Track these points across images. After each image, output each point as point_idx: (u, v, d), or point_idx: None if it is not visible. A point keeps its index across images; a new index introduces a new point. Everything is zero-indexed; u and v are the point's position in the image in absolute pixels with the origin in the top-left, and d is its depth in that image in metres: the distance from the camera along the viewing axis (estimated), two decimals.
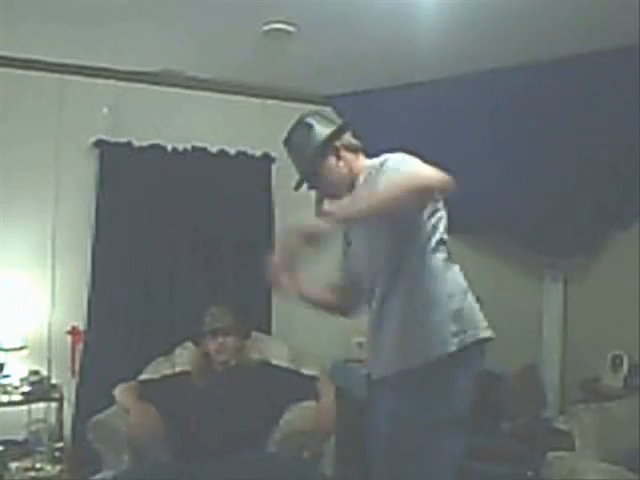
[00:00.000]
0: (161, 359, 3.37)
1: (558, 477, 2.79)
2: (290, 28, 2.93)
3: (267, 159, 3.81)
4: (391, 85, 3.59)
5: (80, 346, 3.44)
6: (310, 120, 1.97)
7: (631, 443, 2.81)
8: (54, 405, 3.24)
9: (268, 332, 3.72)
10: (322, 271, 2.01)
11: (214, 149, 3.76)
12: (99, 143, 3.54)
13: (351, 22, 2.85)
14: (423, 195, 1.68)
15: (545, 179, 3.57)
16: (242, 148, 3.79)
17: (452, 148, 3.20)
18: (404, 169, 1.74)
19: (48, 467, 3.04)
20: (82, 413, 3.25)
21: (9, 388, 3.16)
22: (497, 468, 3.16)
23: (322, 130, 1.95)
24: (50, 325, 3.39)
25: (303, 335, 3.76)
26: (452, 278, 1.84)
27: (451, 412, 1.79)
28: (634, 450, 2.76)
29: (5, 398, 3.10)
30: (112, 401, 2.88)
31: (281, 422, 2.90)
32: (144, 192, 3.58)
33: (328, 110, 3.77)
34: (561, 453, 2.87)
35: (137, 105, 3.63)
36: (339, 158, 1.95)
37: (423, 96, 3.52)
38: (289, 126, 1.99)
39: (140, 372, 3.24)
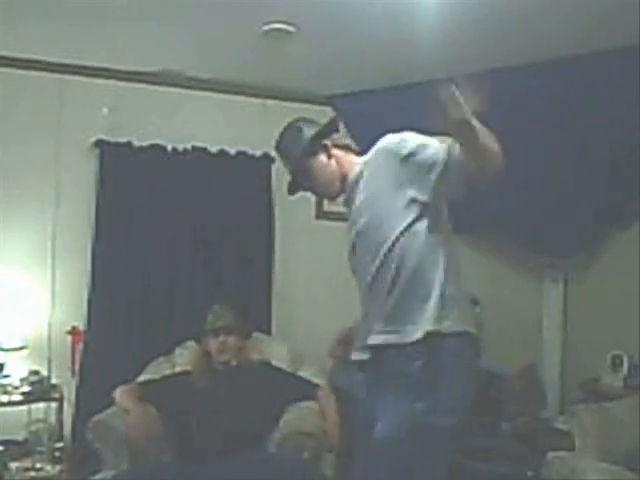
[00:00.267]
0: (161, 359, 3.37)
1: (558, 477, 2.79)
2: (290, 28, 2.93)
3: (267, 159, 3.81)
4: (391, 85, 3.59)
5: (80, 346, 3.44)
6: (299, 124, 2.02)
7: (631, 443, 2.81)
8: (54, 405, 3.24)
9: (268, 332, 3.72)
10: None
11: (214, 149, 3.76)
12: (99, 143, 3.54)
13: (351, 22, 2.85)
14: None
15: (545, 179, 3.57)
16: (242, 148, 3.79)
17: None
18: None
19: (48, 467, 3.04)
20: (82, 413, 3.25)
21: (9, 388, 3.16)
22: (497, 468, 3.16)
23: (310, 131, 1.99)
24: (50, 325, 3.39)
25: (303, 335, 3.76)
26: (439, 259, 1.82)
27: (437, 401, 1.73)
28: (634, 450, 2.76)
29: (5, 398, 3.10)
30: (112, 401, 2.87)
31: (281, 422, 2.90)
32: (144, 192, 3.58)
33: (328, 111, 3.79)
34: (561, 453, 2.87)
35: (137, 105, 3.63)
36: (329, 157, 1.97)
37: (423, 96, 3.52)
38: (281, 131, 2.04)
39: (140, 372, 3.24)
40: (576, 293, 4.22)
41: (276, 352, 3.39)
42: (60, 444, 3.18)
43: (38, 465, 3.04)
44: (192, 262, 3.65)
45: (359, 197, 1.89)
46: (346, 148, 2.01)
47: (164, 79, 3.67)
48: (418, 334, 1.73)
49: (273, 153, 3.79)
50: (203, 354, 3.00)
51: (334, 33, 3.00)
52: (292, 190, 2.06)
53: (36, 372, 3.25)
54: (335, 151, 1.98)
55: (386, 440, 1.75)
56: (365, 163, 1.91)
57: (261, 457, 2.68)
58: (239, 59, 3.42)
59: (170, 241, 3.60)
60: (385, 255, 1.80)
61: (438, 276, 1.78)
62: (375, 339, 1.84)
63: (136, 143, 3.59)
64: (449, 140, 1.75)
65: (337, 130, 2.04)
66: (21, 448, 3.14)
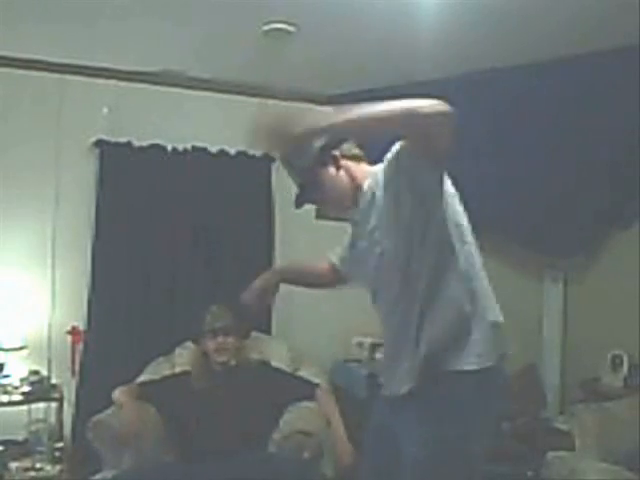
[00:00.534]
0: (161, 359, 3.37)
1: (558, 477, 2.79)
2: (290, 28, 2.93)
3: (267, 159, 3.81)
4: (391, 85, 3.59)
5: (80, 346, 3.44)
6: None
7: (631, 443, 2.81)
8: (54, 405, 3.24)
9: (268, 332, 3.72)
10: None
11: (214, 149, 3.76)
12: (99, 143, 3.54)
13: (351, 22, 2.85)
14: (415, 118, 1.54)
15: (545, 179, 3.57)
16: (242, 148, 3.79)
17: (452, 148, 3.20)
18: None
19: (48, 467, 3.05)
20: (82, 413, 3.25)
21: (9, 388, 3.16)
22: (497, 468, 3.16)
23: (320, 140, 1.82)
24: (50, 325, 3.39)
25: (303, 335, 3.76)
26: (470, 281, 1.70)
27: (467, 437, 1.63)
28: (634, 450, 2.76)
29: (5, 398, 3.10)
30: (112, 401, 2.87)
31: (281, 422, 2.90)
32: (144, 192, 3.58)
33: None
34: (561, 453, 2.87)
35: (137, 105, 3.63)
36: (339, 168, 1.82)
37: (423, 96, 3.52)
38: None
39: (140, 372, 3.24)
40: (576, 293, 4.22)
41: (276, 352, 3.40)
42: (60, 444, 3.18)
43: (38, 465, 3.04)
44: (192, 262, 3.65)
45: (376, 213, 1.73)
46: (357, 158, 1.87)
47: (164, 79, 3.67)
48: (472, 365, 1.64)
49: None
50: (202, 355, 3.00)
51: (334, 33, 3.00)
52: (299, 203, 1.89)
53: (36, 372, 3.25)
54: (345, 162, 1.83)
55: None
56: (377, 174, 1.74)
57: (261, 457, 2.68)
58: (239, 59, 3.42)
59: (170, 241, 3.60)
60: (417, 279, 1.66)
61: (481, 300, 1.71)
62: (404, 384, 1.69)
63: (136, 143, 3.59)
64: None
65: (347, 139, 1.87)
66: (21, 448, 3.14)
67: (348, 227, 1.97)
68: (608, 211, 3.74)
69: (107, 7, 2.75)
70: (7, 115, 3.42)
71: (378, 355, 3.82)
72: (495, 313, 1.78)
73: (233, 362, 2.96)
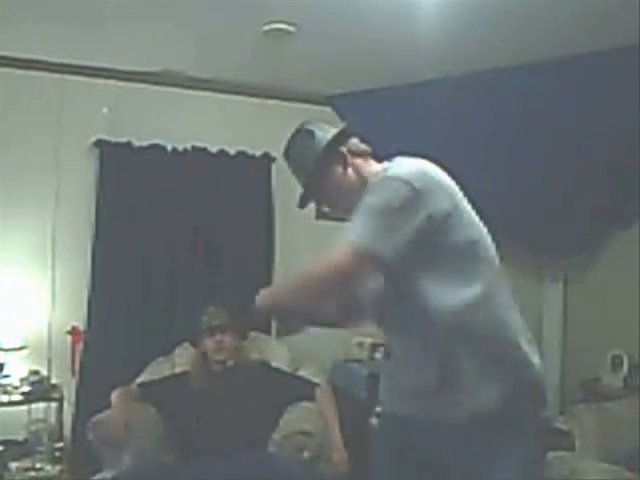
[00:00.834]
0: (161, 359, 3.37)
1: (558, 477, 2.79)
2: (290, 28, 2.93)
3: (267, 159, 3.81)
4: (391, 85, 3.59)
5: (80, 346, 3.44)
6: (310, 127, 1.77)
7: (631, 443, 2.81)
8: (54, 405, 3.24)
9: (268, 332, 3.71)
10: None
11: (214, 149, 3.76)
12: (99, 143, 3.54)
13: (351, 22, 2.85)
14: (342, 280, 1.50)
15: (545, 179, 3.57)
16: (242, 148, 3.79)
17: (452, 148, 3.20)
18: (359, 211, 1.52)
19: (48, 467, 3.05)
20: (82, 413, 3.25)
21: (9, 388, 3.16)
22: None
23: (324, 136, 1.74)
24: (50, 325, 3.39)
25: (303, 335, 3.74)
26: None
27: None
28: (634, 450, 2.76)
29: (5, 398, 3.10)
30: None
31: (281, 422, 2.90)
32: (144, 192, 3.58)
33: (328, 111, 3.79)
34: (561, 453, 2.86)
35: (137, 105, 3.63)
36: (346, 165, 1.72)
37: (423, 96, 3.52)
38: (289, 131, 1.79)
39: (140, 372, 3.24)
40: (576, 293, 4.22)
41: (276, 352, 3.40)
42: (60, 444, 3.18)
43: (38, 465, 3.04)
44: (192, 262, 3.65)
45: None
46: (364, 154, 1.77)
47: (164, 79, 3.67)
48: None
49: (273, 153, 3.80)
50: (200, 355, 3.01)
51: (334, 33, 3.00)
52: (304, 203, 1.79)
53: (36, 372, 3.25)
54: (352, 159, 1.73)
55: None
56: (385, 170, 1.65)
57: (261, 457, 2.68)
58: (239, 59, 3.42)
59: (170, 241, 3.60)
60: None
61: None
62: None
63: (136, 143, 3.59)
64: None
65: (353, 135, 1.78)
66: (21, 448, 3.14)
67: None
68: (608, 211, 3.74)
69: (107, 7, 2.75)
70: (7, 115, 3.42)
71: (378, 355, 3.83)
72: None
73: (231, 362, 2.96)
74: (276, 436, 2.84)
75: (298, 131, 1.78)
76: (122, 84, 3.60)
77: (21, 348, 3.23)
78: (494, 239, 1.74)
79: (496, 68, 3.21)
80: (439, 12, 2.66)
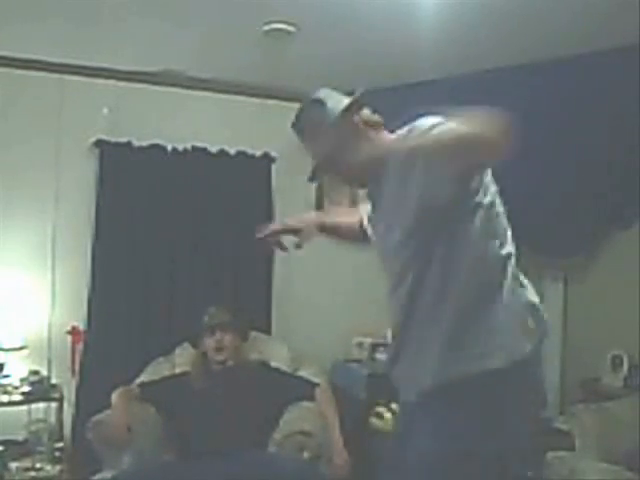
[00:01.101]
0: (161, 359, 3.37)
1: (558, 477, 2.79)
2: (290, 28, 2.93)
3: (267, 159, 3.81)
4: (391, 85, 3.59)
5: (80, 346, 3.44)
6: (321, 96, 1.71)
7: (631, 443, 2.81)
8: (54, 405, 3.24)
9: (268, 332, 3.72)
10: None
11: (214, 149, 3.76)
12: (99, 143, 3.54)
13: (351, 22, 2.85)
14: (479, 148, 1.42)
15: (545, 179, 3.57)
16: (242, 148, 3.79)
17: None
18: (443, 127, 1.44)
19: (48, 467, 3.05)
20: (82, 413, 3.25)
21: (9, 388, 3.16)
22: None
23: (335, 105, 1.67)
24: (50, 325, 3.39)
25: (303, 335, 3.76)
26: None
27: (498, 444, 1.50)
28: (634, 450, 2.76)
29: (5, 398, 3.10)
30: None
31: (281, 422, 2.90)
32: (144, 192, 3.58)
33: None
34: (561, 453, 2.86)
35: (137, 105, 3.63)
36: (360, 136, 1.65)
37: (423, 96, 3.52)
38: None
39: (140, 372, 3.24)
40: (576, 293, 4.22)
41: (276, 352, 3.40)
42: (60, 444, 3.18)
43: (38, 465, 3.04)
44: (192, 262, 3.65)
45: (391, 188, 1.58)
46: (377, 125, 1.70)
47: (164, 79, 3.67)
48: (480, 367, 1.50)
49: (273, 153, 3.80)
50: (200, 355, 3.01)
51: (334, 33, 3.00)
52: (315, 176, 1.71)
53: (36, 372, 3.25)
54: (365, 129, 1.67)
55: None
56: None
57: (261, 457, 2.68)
58: (239, 59, 3.42)
59: (170, 241, 3.60)
60: (447, 261, 1.52)
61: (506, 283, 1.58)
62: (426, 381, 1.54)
63: (136, 143, 3.59)
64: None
65: (365, 105, 1.71)
66: (21, 448, 3.14)
67: None
68: (608, 211, 3.74)
69: (107, 7, 2.75)
70: (7, 115, 3.42)
71: (378, 355, 3.83)
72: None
73: (231, 362, 2.96)
74: (276, 436, 2.84)
75: (307, 102, 1.72)
76: (122, 84, 3.60)
77: (21, 348, 3.23)
78: None
79: (496, 68, 3.21)
80: (439, 12, 2.66)
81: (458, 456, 1.49)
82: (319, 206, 4.00)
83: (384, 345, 3.75)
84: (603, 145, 3.37)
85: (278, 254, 3.83)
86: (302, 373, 3.29)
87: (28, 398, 3.14)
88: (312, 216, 1.94)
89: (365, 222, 1.85)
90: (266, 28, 2.93)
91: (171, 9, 2.78)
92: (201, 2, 2.70)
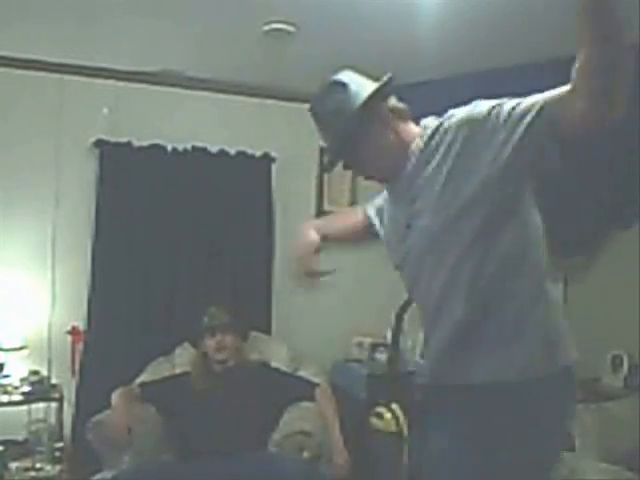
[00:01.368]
0: (161, 359, 3.37)
1: (558, 477, 2.79)
2: (290, 28, 2.93)
3: (267, 159, 3.81)
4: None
5: (80, 346, 3.44)
6: (343, 79, 1.56)
7: (631, 443, 2.81)
8: (54, 405, 3.24)
9: (268, 332, 3.72)
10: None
11: (214, 149, 3.76)
12: (99, 143, 3.53)
13: (351, 22, 2.85)
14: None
15: (545, 179, 3.57)
16: (242, 148, 3.79)
17: None
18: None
19: (48, 467, 3.05)
20: (82, 413, 3.25)
21: (9, 388, 3.16)
22: None
23: (360, 89, 1.54)
24: (50, 325, 3.39)
25: (303, 335, 3.76)
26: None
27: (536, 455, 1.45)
28: (634, 450, 2.76)
29: (5, 398, 3.10)
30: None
31: (281, 422, 2.90)
32: (144, 192, 3.58)
33: None
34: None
35: (137, 105, 3.63)
36: (386, 125, 1.53)
37: (423, 96, 3.52)
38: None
39: (140, 372, 3.24)
40: (576, 293, 4.22)
41: (276, 352, 3.40)
42: (60, 444, 3.18)
43: (38, 465, 3.05)
44: (192, 262, 3.65)
45: (422, 180, 1.48)
46: (404, 115, 1.58)
47: (164, 79, 3.67)
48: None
49: (273, 153, 3.80)
50: (201, 355, 3.01)
51: (334, 33, 3.00)
52: (331, 166, 1.60)
53: (36, 372, 3.25)
54: (391, 118, 1.54)
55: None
56: (434, 134, 1.50)
57: (261, 457, 2.68)
58: (239, 59, 3.42)
59: (170, 241, 3.60)
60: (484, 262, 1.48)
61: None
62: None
63: (136, 143, 3.59)
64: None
65: (393, 92, 1.58)
66: (21, 448, 3.14)
67: None
68: (608, 211, 3.74)
69: (106, 7, 2.75)
70: (7, 115, 3.42)
71: (378, 355, 3.83)
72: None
73: (232, 362, 2.96)
74: (276, 436, 2.84)
75: (328, 84, 1.59)
76: (121, 84, 3.60)
77: (21, 348, 3.23)
78: None
79: (496, 68, 3.21)
80: (440, 12, 2.66)
81: (496, 466, 1.44)
82: (319, 206, 4.00)
83: (384, 345, 3.75)
84: (603, 145, 3.37)
85: (278, 254, 3.84)
86: (302, 373, 3.29)
87: (28, 398, 3.14)
88: (311, 237, 1.88)
89: (373, 218, 1.77)
90: (266, 28, 2.93)
91: (171, 9, 2.78)
92: (200, 2, 2.70)
